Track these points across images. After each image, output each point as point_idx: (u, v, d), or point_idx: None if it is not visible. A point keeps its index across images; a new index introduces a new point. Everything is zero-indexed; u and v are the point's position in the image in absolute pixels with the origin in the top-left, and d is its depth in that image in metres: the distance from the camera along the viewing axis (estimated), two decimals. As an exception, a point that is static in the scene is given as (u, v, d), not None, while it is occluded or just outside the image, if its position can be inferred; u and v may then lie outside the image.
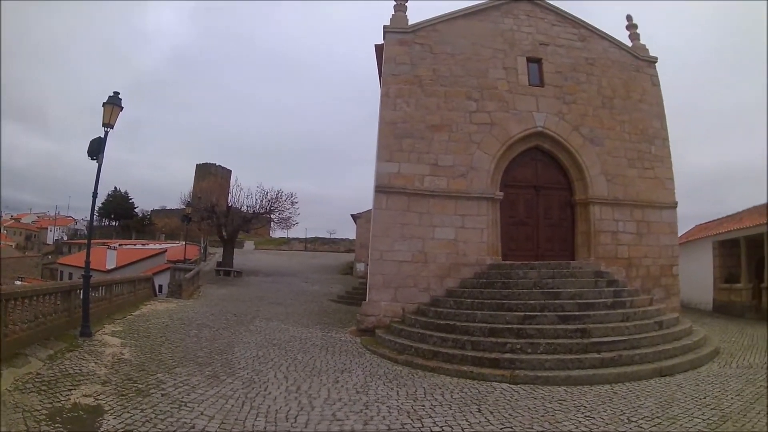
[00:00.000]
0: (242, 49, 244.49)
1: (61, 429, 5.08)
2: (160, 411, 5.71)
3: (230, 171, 70.72)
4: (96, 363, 7.70)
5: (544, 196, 14.16)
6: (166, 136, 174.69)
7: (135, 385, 6.72)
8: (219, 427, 5.42)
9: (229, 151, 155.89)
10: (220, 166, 78.95)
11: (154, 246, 40.63)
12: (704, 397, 7.03)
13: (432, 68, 13.88)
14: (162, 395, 6.35)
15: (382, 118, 13.51)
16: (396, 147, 13.15)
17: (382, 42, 14.55)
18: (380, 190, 12.94)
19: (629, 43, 15.81)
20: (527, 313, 10.25)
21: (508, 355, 8.90)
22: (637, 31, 16.12)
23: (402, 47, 13.97)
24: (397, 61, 13.84)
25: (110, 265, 28.55)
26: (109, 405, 5.81)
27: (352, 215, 35.75)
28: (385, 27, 14.27)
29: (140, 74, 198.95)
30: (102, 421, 5.31)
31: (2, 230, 63.44)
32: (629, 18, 16.43)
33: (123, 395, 6.22)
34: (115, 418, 5.40)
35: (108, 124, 10.41)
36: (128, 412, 5.60)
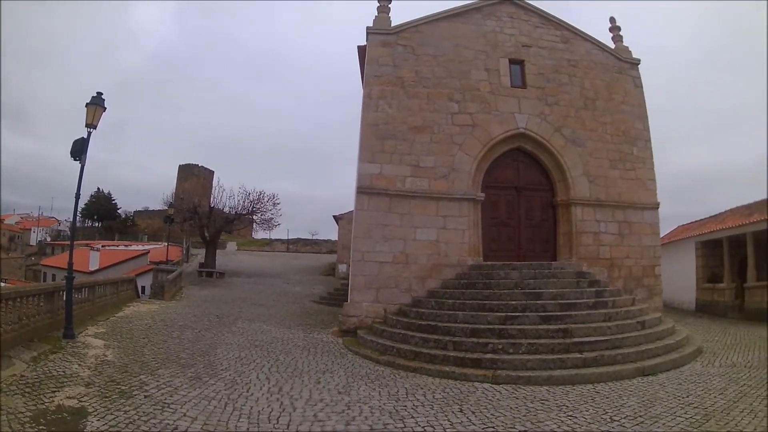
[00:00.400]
0: (226, 48, 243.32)
1: (45, 431, 5.16)
2: (144, 412, 5.80)
3: (213, 172, 70.84)
4: (79, 365, 7.82)
5: (525, 197, 14.46)
6: (150, 137, 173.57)
7: (118, 386, 6.82)
8: (202, 428, 5.51)
9: (212, 151, 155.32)
10: (202, 167, 79.09)
11: (136, 247, 40.60)
12: (687, 396, 7.18)
13: (414, 69, 14.12)
14: (145, 397, 6.45)
15: (364, 119, 13.72)
16: (378, 148, 13.37)
17: (365, 43, 14.75)
18: (362, 191, 13.15)
19: (612, 45, 16.13)
20: (509, 314, 10.42)
21: (489, 356, 9.04)
22: (620, 33, 16.46)
23: (385, 48, 14.19)
24: (379, 63, 14.06)
25: (93, 267, 28.61)
26: (93, 407, 5.90)
27: (334, 216, 35.98)
28: (368, 28, 14.46)
29: (124, 74, 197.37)
30: (86, 423, 5.38)
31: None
32: (612, 20, 16.77)
33: (106, 397, 6.31)
34: (98, 420, 5.47)
35: (91, 125, 10.49)
36: (112, 414, 5.68)
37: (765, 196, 19.79)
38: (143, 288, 21.31)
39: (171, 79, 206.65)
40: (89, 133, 10.57)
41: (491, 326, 10.09)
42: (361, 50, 15.37)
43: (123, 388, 6.78)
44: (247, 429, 5.63)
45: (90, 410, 5.77)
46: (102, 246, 36.92)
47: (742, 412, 6.34)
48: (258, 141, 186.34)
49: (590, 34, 15.87)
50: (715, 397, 7.11)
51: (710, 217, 22.76)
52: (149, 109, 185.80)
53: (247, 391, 7.17)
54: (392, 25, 14.53)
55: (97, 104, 10.52)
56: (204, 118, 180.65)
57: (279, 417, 6.07)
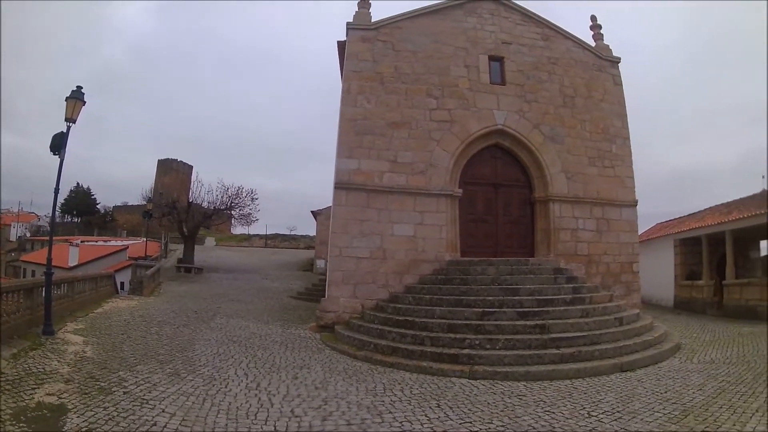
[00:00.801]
0: (206, 43, 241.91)
1: (26, 428, 5.16)
2: (123, 409, 5.83)
3: (191, 167, 71.03)
4: (59, 361, 7.83)
5: (503, 194, 14.67)
6: (129, 131, 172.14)
7: (97, 383, 6.85)
8: (180, 424, 5.53)
9: (192, 147, 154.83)
10: (181, 161, 79.31)
11: (115, 243, 40.37)
12: (665, 392, 7.25)
13: (394, 65, 14.24)
14: (124, 393, 6.47)
15: (342, 114, 13.83)
16: (356, 143, 13.49)
17: (345, 39, 14.84)
18: (340, 186, 13.26)
19: (593, 43, 16.41)
20: (486, 309, 10.52)
21: (467, 351, 9.14)
22: (601, 31, 16.73)
23: (364, 44, 14.30)
24: (359, 58, 14.17)
25: (72, 263, 28.48)
26: (73, 403, 5.92)
27: (312, 212, 36.07)
28: (348, 23, 14.56)
29: (104, 68, 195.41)
30: (66, 420, 5.40)
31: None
32: (593, 18, 17.02)
33: (86, 393, 6.33)
34: (78, 417, 5.49)
35: (70, 119, 10.44)
36: (91, 411, 5.69)
37: (746, 195, 20.29)
38: (122, 284, 21.28)
39: (151, 73, 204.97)
40: (69, 128, 10.54)
41: (468, 322, 10.20)
42: (341, 45, 15.45)
43: (102, 384, 6.81)
44: (225, 425, 5.67)
45: (70, 407, 5.80)
46: (81, 241, 36.68)
47: (721, 408, 6.41)
48: (237, 136, 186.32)
49: (571, 32, 16.07)
50: (693, 393, 7.19)
51: (689, 215, 23.20)
52: (129, 103, 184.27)
53: (225, 387, 7.21)
54: (372, 20, 14.61)
55: (76, 98, 10.47)
56: (183, 113, 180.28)
57: (257, 413, 6.14)
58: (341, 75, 15.05)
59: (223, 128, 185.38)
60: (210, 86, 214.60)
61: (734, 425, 5.76)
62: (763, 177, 20.36)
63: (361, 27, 14.48)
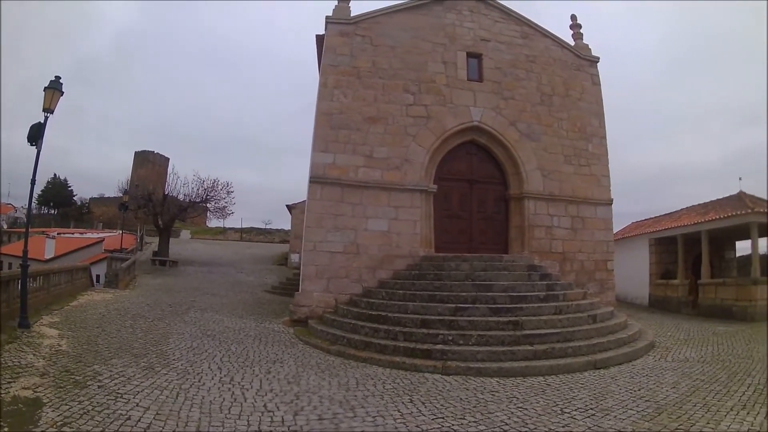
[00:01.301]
0: (185, 37, 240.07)
1: (1, 423, 5.14)
2: (97, 403, 5.84)
3: (168, 159, 70.94)
4: (34, 355, 7.81)
5: (478, 190, 14.88)
6: (106, 123, 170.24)
7: (72, 376, 6.85)
8: (154, 418, 5.56)
9: (169, 139, 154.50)
10: (158, 153, 78.95)
11: (91, 235, 40.07)
12: (639, 390, 7.34)
13: (372, 60, 14.35)
14: (99, 387, 6.48)
15: (318, 108, 13.89)
16: (332, 138, 13.58)
17: (324, 32, 14.87)
18: (315, 180, 13.35)
19: (572, 42, 16.69)
20: (459, 305, 10.66)
21: (440, 347, 9.21)
22: (581, 30, 16.98)
23: (342, 38, 14.37)
24: (337, 52, 14.23)
25: (49, 255, 28.28)
26: (48, 397, 5.92)
27: (287, 206, 36.00)
28: (327, 17, 14.59)
29: (81, 59, 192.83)
30: (41, 414, 5.40)
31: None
32: (573, 17, 17.26)
33: (61, 387, 6.34)
34: (53, 411, 5.50)
35: (48, 109, 10.35)
36: (66, 405, 5.70)
37: (725, 195, 20.73)
38: (98, 276, 21.20)
39: (130, 65, 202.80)
40: (46, 118, 10.50)
41: (441, 317, 10.29)
42: (320, 39, 15.46)
43: (77, 378, 6.82)
44: (199, 419, 5.70)
45: (45, 401, 5.82)
46: (58, 234, 36.41)
47: (695, 406, 6.51)
48: (214, 129, 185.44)
49: (551, 31, 16.30)
50: (667, 390, 7.28)
51: (665, 214, 23.64)
52: (106, 94, 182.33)
53: (199, 381, 7.24)
54: (352, 15, 14.69)
55: (54, 88, 10.39)
56: (161, 105, 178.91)
57: (230, 407, 6.19)
58: (319, 69, 15.11)
59: (200, 121, 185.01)
60: (189, 79, 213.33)
61: (708, 423, 5.84)
62: (740, 179, 20.78)
63: (339, 21, 14.53)
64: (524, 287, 11.87)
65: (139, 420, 5.47)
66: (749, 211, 16.97)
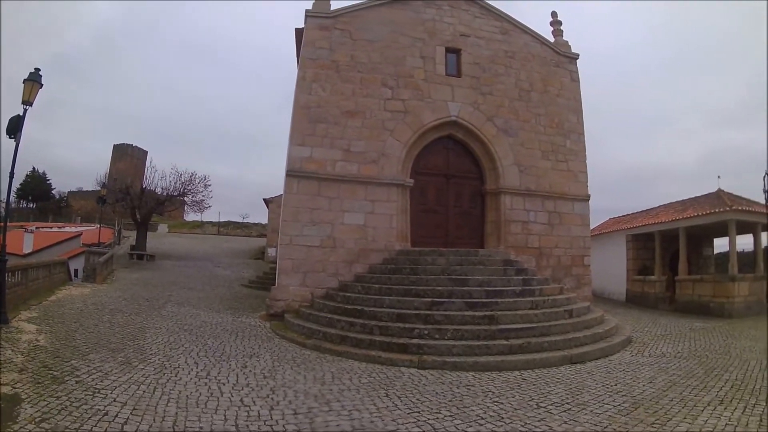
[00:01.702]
0: (163, 29, 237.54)
1: None
2: (75, 398, 5.86)
3: (146, 152, 70.46)
4: (13, 350, 7.77)
5: (455, 185, 15.03)
6: (85, 115, 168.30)
7: (51, 372, 6.85)
8: (131, 413, 5.57)
9: (147, 132, 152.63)
10: (137, 147, 78.37)
11: (70, 229, 39.62)
12: (615, 385, 7.40)
13: (350, 54, 14.39)
14: (76, 382, 6.49)
15: (296, 101, 13.94)
16: (309, 131, 13.62)
17: (303, 26, 14.86)
18: (291, 174, 13.38)
19: (552, 39, 16.89)
20: (435, 300, 10.69)
21: (416, 341, 9.26)
22: (561, 27, 17.19)
23: (322, 32, 14.39)
24: (316, 46, 14.26)
25: (27, 249, 27.95)
26: (26, 393, 5.92)
27: (264, 199, 35.96)
28: (306, 11, 14.60)
29: (60, 50, 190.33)
30: (20, 410, 5.39)
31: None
32: (554, 14, 17.48)
33: (39, 383, 6.33)
34: (32, 407, 5.51)
35: (27, 102, 10.28)
36: (44, 400, 5.71)
37: (702, 194, 21.09)
38: (75, 271, 21.06)
39: (107, 57, 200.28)
40: (25, 110, 10.45)
41: (417, 311, 10.35)
42: (299, 33, 15.48)
43: (55, 373, 6.82)
44: (176, 414, 5.71)
45: (23, 396, 5.81)
46: (36, 228, 36.04)
47: (672, 401, 6.57)
48: (193, 122, 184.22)
49: (531, 28, 16.45)
50: (643, 386, 7.34)
51: (642, 211, 23.99)
52: (85, 87, 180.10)
53: (176, 376, 7.25)
54: (331, 9, 14.74)
55: (34, 81, 10.29)
56: (140, 98, 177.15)
57: (207, 402, 6.21)
58: (298, 62, 15.14)
59: (178, 114, 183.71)
60: (165, 72, 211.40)
61: (685, 418, 5.90)
62: (719, 177, 21.14)
63: (319, 15, 14.56)
64: (500, 282, 11.99)
65: (116, 415, 5.49)
66: (728, 208, 17.29)
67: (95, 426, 5.15)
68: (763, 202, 19.65)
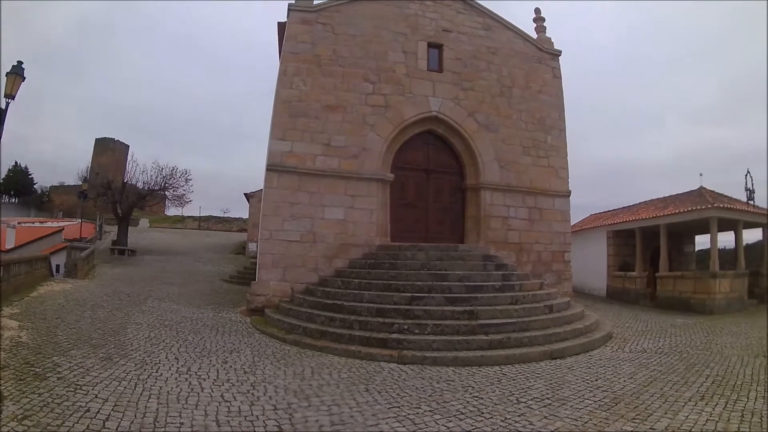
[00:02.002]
0: (145, 22, 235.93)
1: None
2: (57, 395, 5.87)
3: (128, 146, 70.48)
4: None
5: (435, 180, 15.09)
6: (67, 109, 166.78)
7: (32, 368, 6.83)
8: (113, 409, 5.59)
9: (128, 125, 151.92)
10: (118, 141, 78.17)
11: (52, 224, 39.39)
12: (596, 380, 7.44)
13: (332, 48, 14.36)
14: (58, 378, 6.48)
15: (277, 95, 13.89)
16: (290, 125, 13.59)
17: (286, 20, 14.84)
18: (272, 168, 13.35)
19: (535, 35, 16.95)
20: (415, 294, 10.76)
21: (395, 336, 9.30)
22: (544, 24, 17.26)
23: (304, 26, 14.34)
24: (298, 40, 14.21)
25: (9, 245, 27.80)
26: (9, 390, 5.88)
27: (245, 194, 35.91)
28: (289, 5, 14.52)
29: (40, 42, 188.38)
30: (2, 408, 5.38)
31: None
32: (537, 11, 17.49)
33: (21, 380, 6.31)
34: (14, 404, 5.50)
35: (10, 95, 10.27)
36: (26, 397, 5.71)
37: (680, 191, 21.37)
38: (57, 266, 20.94)
39: (89, 49, 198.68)
40: (8, 104, 10.36)
41: (397, 306, 10.39)
42: (281, 27, 15.46)
43: (37, 370, 6.81)
44: (157, 409, 5.74)
45: (6, 393, 5.78)
46: (18, 223, 35.76)
47: (653, 396, 6.63)
48: (174, 115, 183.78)
49: (514, 24, 16.52)
50: (624, 381, 7.40)
51: (623, 207, 24.25)
52: (68, 80, 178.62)
53: (157, 372, 7.26)
54: (315, 3, 14.71)
55: (16, 74, 10.18)
56: (122, 92, 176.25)
57: (187, 397, 6.23)
58: (279, 56, 15.09)
59: (161, 106, 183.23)
60: (147, 65, 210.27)
61: (666, 413, 5.95)
62: (701, 174, 21.42)
63: (302, 9, 14.50)
64: (480, 277, 12.02)
65: (98, 412, 5.48)
66: (710, 206, 17.52)
67: (77, 422, 5.14)
68: (744, 199, 20.15)
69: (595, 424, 5.63)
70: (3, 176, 67.77)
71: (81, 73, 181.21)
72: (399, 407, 6.17)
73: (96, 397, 5.95)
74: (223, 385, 6.88)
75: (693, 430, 5.50)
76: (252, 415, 5.78)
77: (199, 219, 64.05)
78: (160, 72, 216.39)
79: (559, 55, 17.03)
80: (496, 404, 6.32)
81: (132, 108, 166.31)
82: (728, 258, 20.12)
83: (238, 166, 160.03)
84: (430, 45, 15.29)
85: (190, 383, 6.85)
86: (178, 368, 7.57)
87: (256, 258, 16.07)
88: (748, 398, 6.61)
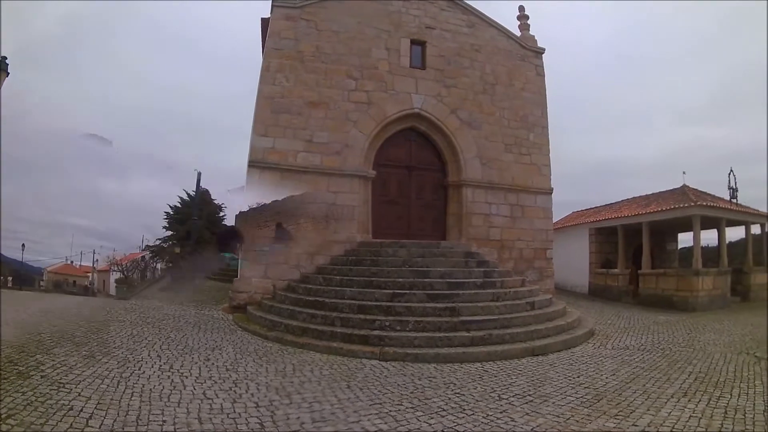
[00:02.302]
0: (132, 19, 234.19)
1: None
2: (40, 393, 5.81)
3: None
4: None
5: (417, 177, 15.17)
6: (48, 104, 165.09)
7: (16, 367, 6.78)
8: (96, 407, 5.54)
9: (117, 122, 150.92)
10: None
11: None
12: (578, 377, 7.41)
13: (315, 45, 14.35)
14: (41, 377, 6.44)
15: (260, 91, 13.85)
16: (272, 122, 13.57)
17: (269, 16, 14.76)
18: (254, 164, 13.32)
19: (519, 33, 17.06)
20: (396, 291, 10.72)
21: (377, 332, 9.29)
22: (528, 21, 17.36)
23: (288, 22, 14.32)
24: (281, 36, 14.19)
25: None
26: None
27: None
28: (273, 1, 14.50)
29: (25, 38, 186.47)
30: None
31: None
32: (521, 9, 17.58)
33: (5, 378, 6.25)
34: None
35: None
36: (10, 396, 5.61)
37: (663, 189, 21.57)
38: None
39: (74, 46, 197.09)
40: None
41: (379, 303, 10.40)
42: (265, 23, 15.43)
43: (20, 368, 6.76)
44: (139, 407, 5.71)
45: None
46: None
47: (635, 393, 6.62)
48: (161, 111, 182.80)
49: (498, 22, 16.60)
50: (606, 378, 7.38)
51: (605, 205, 24.42)
52: (52, 77, 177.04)
53: (139, 369, 7.23)
54: (298, -1, 14.69)
55: (0, 69, 10.30)
56: (107, 88, 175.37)
57: (170, 395, 6.20)
58: (263, 52, 15.05)
59: (147, 103, 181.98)
60: (132, 60, 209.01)
61: (648, 410, 5.95)
62: (684, 173, 21.61)
63: (286, 5, 14.46)
64: (461, 274, 12.03)
65: (81, 410, 5.45)
66: (692, 204, 17.67)
67: (60, 421, 5.11)
68: (727, 197, 20.38)
69: (577, 421, 5.65)
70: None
71: (81, 74, 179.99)
72: (381, 404, 6.18)
73: (79, 395, 5.91)
74: (205, 382, 6.84)
75: (675, 426, 5.51)
76: (234, 412, 5.77)
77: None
78: (161, 72, 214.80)
79: (543, 53, 17.12)
80: (477, 401, 6.33)
81: (132, 108, 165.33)
82: (711, 255, 20.36)
83: (220, 162, 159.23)
84: (413, 42, 15.34)
85: (172, 381, 6.82)
86: (160, 366, 7.54)
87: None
88: (731, 395, 6.63)
